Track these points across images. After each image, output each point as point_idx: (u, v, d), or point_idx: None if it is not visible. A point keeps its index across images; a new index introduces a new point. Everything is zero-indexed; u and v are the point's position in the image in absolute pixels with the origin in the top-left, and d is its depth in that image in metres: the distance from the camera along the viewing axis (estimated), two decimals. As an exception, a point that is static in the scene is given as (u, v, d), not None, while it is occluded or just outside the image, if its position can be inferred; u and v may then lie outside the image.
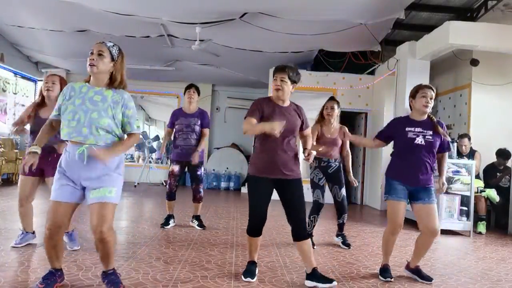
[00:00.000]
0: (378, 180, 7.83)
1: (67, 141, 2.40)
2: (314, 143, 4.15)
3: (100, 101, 2.34)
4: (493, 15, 6.14)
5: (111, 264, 2.47)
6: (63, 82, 3.45)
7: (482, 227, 5.45)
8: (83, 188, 2.37)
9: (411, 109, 3.23)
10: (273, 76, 2.96)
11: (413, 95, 3.17)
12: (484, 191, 5.71)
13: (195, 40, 6.63)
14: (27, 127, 3.48)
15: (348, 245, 4.16)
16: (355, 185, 4.34)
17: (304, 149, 3.03)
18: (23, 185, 3.37)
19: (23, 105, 9.83)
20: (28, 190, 3.37)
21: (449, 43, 5.66)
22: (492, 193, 5.69)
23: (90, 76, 2.42)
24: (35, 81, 10.31)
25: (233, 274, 2.99)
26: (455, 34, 5.60)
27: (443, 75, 7.60)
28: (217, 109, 11.22)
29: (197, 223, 4.73)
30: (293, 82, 2.94)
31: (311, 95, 8.17)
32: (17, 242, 3.40)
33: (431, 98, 3.09)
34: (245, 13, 5.86)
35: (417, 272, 3.16)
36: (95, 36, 7.19)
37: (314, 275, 2.85)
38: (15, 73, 9.47)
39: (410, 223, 5.79)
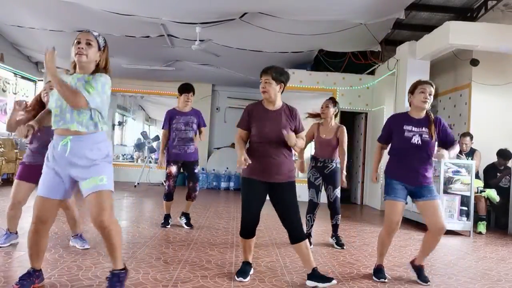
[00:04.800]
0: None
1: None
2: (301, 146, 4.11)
3: (79, 86, 2.30)
4: (493, 15, 6.14)
5: (119, 261, 2.38)
6: None
7: (482, 227, 5.45)
8: (72, 182, 2.35)
9: (410, 106, 3.19)
10: (260, 79, 2.95)
11: (412, 91, 3.13)
12: (484, 191, 5.71)
13: (195, 40, 6.63)
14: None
15: (342, 245, 4.12)
16: (344, 185, 4.16)
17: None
18: (18, 190, 3.32)
19: (23, 105, 9.82)
20: (22, 195, 3.34)
21: (449, 43, 5.65)
22: (492, 193, 5.68)
23: (73, 66, 2.39)
24: (35, 81, 10.31)
25: (233, 274, 2.99)
26: (455, 34, 5.60)
27: (443, 75, 7.60)
28: (217, 109, 11.22)
29: (185, 221, 4.72)
30: (280, 82, 2.92)
31: (311, 95, 8.18)
32: (1, 242, 3.38)
33: (430, 94, 3.03)
34: (245, 13, 5.86)
35: (418, 271, 3.13)
36: (95, 36, 7.19)
37: (314, 275, 2.86)
38: (15, 73, 9.47)
39: (411, 223, 5.80)
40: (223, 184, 10.00)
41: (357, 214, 7.03)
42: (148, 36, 7.10)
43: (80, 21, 6.64)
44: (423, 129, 3.04)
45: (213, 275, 2.96)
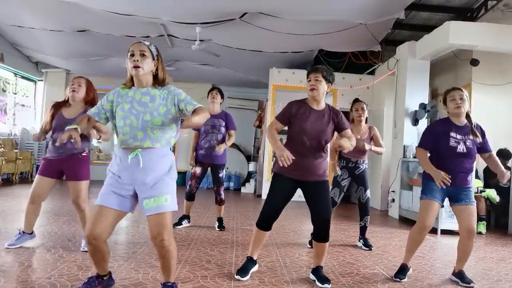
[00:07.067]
0: (378, 180, 7.83)
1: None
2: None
3: (149, 101, 2.26)
4: (493, 15, 6.14)
5: (172, 276, 2.34)
6: (89, 84, 3.45)
7: (482, 227, 5.44)
8: (135, 196, 2.26)
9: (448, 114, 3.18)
10: (307, 78, 2.94)
11: (444, 101, 3.16)
12: (484, 191, 5.71)
13: (195, 40, 6.63)
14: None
15: (370, 246, 4.14)
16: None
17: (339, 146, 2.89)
18: (39, 185, 3.29)
19: (23, 105, 9.84)
20: (43, 191, 3.30)
21: (449, 43, 5.66)
22: (492, 193, 5.69)
23: (130, 79, 2.32)
24: (35, 81, 10.32)
25: (233, 274, 2.99)
26: (455, 34, 5.60)
27: (443, 75, 7.60)
28: (217, 109, 11.21)
29: (217, 224, 4.74)
30: (328, 81, 2.93)
31: (311, 95, 8.18)
32: (11, 243, 3.32)
33: (461, 99, 3.05)
34: (245, 13, 5.86)
35: (459, 276, 3.13)
36: (95, 36, 7.20)
37: (316, 272, 2.94)
38: (15, 73, 9.47)
39: (411, 223, 5.79)
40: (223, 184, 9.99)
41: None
42: (148, 36, 7.10)
43: (80, 21, 6.64)
44: (467, 136, 3.05)
45: (213, 275, 2.96)
